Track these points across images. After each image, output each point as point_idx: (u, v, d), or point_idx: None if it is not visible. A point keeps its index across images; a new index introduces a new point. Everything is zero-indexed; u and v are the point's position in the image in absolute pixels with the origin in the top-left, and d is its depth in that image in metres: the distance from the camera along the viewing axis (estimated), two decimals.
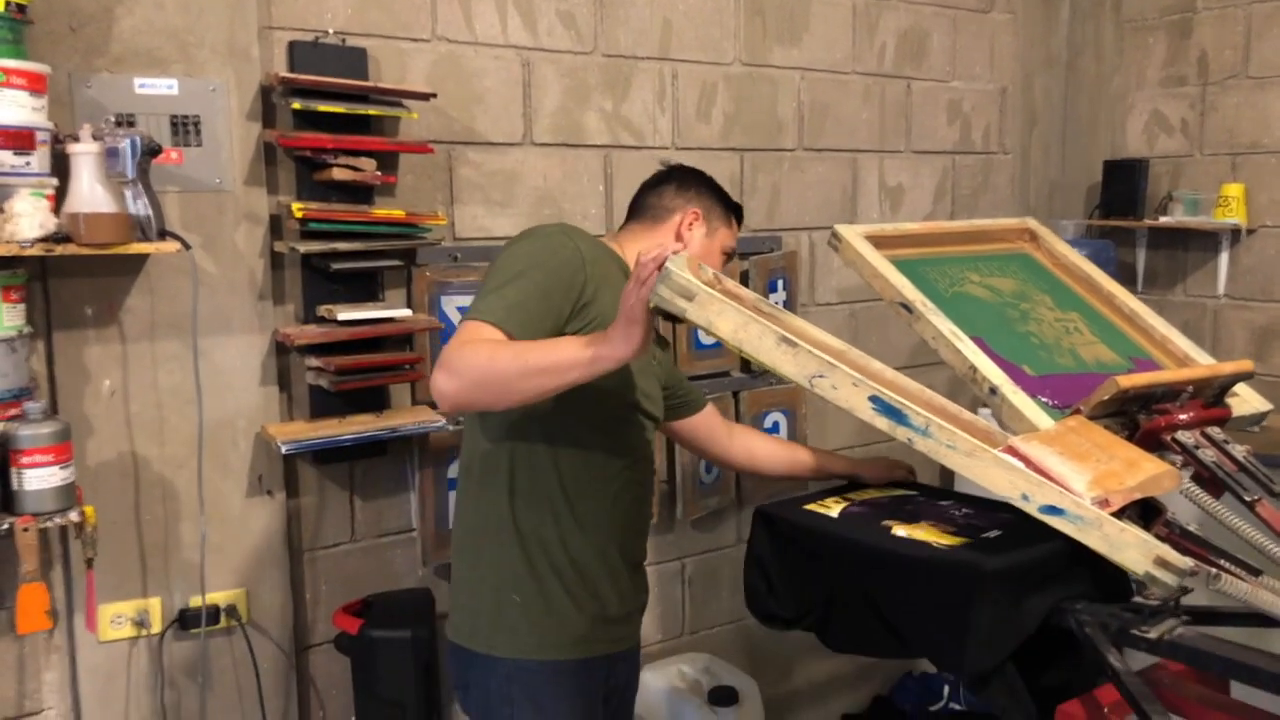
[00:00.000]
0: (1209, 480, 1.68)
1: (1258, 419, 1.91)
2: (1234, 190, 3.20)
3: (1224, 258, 3.29)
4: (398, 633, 2.19)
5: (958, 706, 3.20)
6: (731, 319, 1.16)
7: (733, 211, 1.96)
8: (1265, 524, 1.64)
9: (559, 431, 1.69)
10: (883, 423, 1.15)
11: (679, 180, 1.92)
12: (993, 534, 1.88)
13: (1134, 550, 1.11)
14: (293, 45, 2.16)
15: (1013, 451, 1.41)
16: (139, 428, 2.07)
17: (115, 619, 2.09)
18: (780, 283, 2.97)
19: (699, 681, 2.75)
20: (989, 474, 1.15)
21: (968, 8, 3.28)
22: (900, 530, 2.21)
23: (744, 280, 2.87)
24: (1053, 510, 1.14)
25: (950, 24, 3.25)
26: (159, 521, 2.11)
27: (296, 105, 2.07)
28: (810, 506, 2.48)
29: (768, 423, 2.99)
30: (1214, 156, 3.29)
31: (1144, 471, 1.26)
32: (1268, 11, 3.11)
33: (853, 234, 2.10)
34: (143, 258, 2.02)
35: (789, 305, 2.98)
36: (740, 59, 2.83)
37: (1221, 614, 1.57)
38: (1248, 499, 1.62)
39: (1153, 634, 1.77)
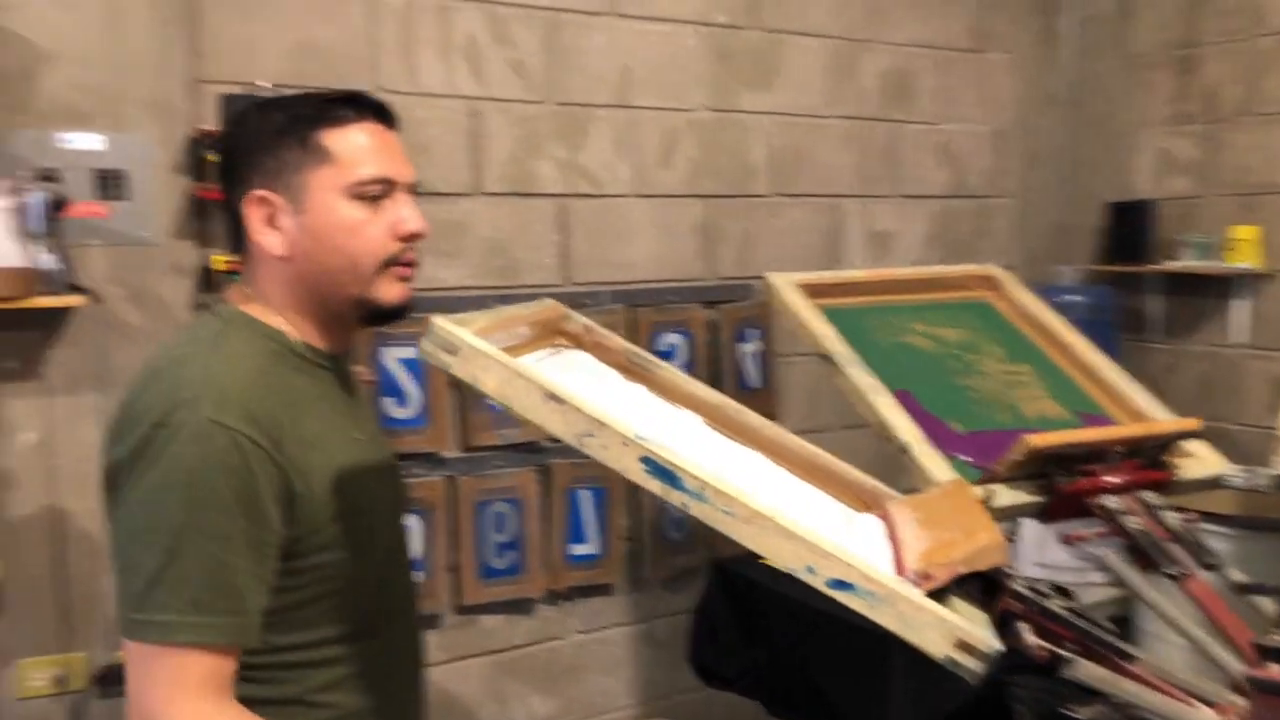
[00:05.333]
0: (1137, 550, 1.54)
1: (1211, 482, 1.76)
2: (1246, 233, 3.01)
3: (1240, 304, 3.09)
4: None
5: None
6: (496, 375, 1.08)
7: (334, 116, 1.21)
8: (1198, 601, 1.49)
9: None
10: (655, 485, 1.05)
11: (224, 149, 1.27)
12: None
13: (932, 631, 0.98)
14: (223, 99, 2.16)
15: (887, 515, 1.31)
16: (62, 481, 2.07)
17: (35, 675, 2.07)
18: (753, 333, 2.87)
19: None
20: (769, 544, 1.04)
21: (958, 48, 3.18)
22: None
23: (712, 330, 2.78)
24: (840, 585, 1.02)
25: (937, 65, 3.14)
26: (83, 576, 2.09)
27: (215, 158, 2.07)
28: (767, 560, 2.37)
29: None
30: (1224, 197, 3.11)
31: (975, 543, 1.14)
32: (1273, 45, 2.95)
33: (783, 282, 2.00)
34: (64, 311, 2.02)
35: (764, 356, 2.87)
36: (706, 105, 2.76)
37: None
38: (1172, 573, 1.48)
39: (1083, 714, 1.63)
